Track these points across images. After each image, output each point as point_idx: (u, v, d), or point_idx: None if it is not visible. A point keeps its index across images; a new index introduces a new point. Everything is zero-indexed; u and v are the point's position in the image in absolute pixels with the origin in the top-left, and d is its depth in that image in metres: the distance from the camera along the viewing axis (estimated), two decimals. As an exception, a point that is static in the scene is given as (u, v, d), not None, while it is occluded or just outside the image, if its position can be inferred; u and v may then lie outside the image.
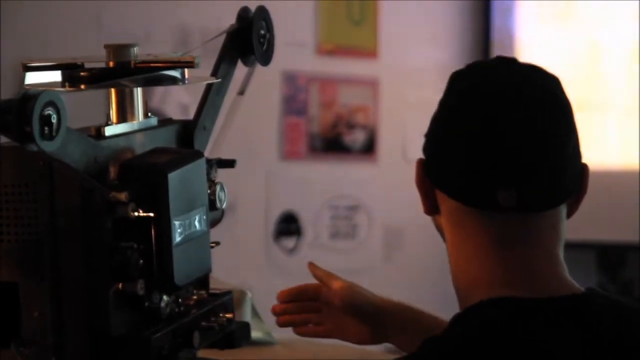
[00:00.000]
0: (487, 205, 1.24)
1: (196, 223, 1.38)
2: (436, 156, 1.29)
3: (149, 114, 1.45)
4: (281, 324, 1.65)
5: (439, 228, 1.33)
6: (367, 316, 1.60)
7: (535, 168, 1.23)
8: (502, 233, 1.26)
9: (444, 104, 1.30)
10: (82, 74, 1.39)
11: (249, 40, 1.55)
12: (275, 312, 1.64)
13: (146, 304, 1.34)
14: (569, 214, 1.30)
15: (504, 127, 1.23)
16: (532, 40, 4.31)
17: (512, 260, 1.26)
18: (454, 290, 1.30)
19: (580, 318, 1.24)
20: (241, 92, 1.60)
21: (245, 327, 1.57)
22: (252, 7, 1.58)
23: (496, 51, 4.20)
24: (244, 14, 1.57)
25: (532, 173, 1.23)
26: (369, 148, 4.12)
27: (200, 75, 1.51)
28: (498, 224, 1.26)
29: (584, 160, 1.30)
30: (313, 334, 1.67)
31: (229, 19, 1.58)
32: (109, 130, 1.36)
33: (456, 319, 1.26)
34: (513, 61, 1.32)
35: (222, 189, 1.50)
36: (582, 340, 1.23)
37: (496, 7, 4.30)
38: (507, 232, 1.26)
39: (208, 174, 1.47)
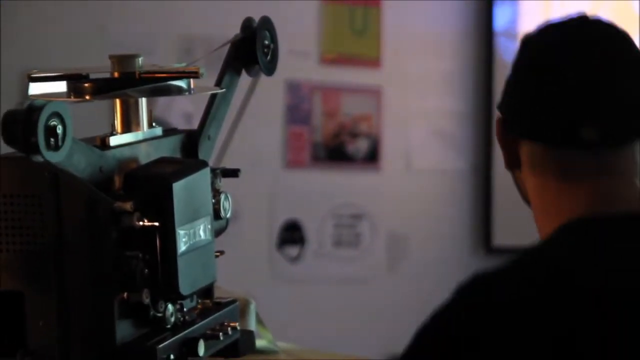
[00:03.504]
0: (571, 142, 1.30)
1: (201, 232, 1.39)
2: (516, 107, 1.34)
3: (154, 124, 1.45)
4: None
5: (517, 184, 1.39)
6: None
7: (613, 104, 1.29)
8: (584, 167, 1.31)
9: (519, 63, 1.36)
10: (87, 84, 1.40)
11: (253, 50, 1.56)
12: None
13: (151, 313, 1.34)
14: None
15: (580, 69, 1.30)
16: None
17: (594, 189, 1.31)
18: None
19: None
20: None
21: (250, 335, 1.57)
22: (256, 17, 1.59)
23: (500, 59, 4.20)
24: (248, 24, 1.57)
25: (610, 109, 1.29)
26: (372, 157, 4.13)
27: (205, 85, 1.51)
28: (580, 159, 1.31)
29: None
30: None
31: (233, 30, 1.59)
32: (114, 141, 1.37)
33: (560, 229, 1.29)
34: (584, 17, 1.37)
35: (226, 198, 1.51)
36: None
37: (500, 15, 4.30)
38: (590, 166, 1.31)
39: (212, 183, 1.47)
